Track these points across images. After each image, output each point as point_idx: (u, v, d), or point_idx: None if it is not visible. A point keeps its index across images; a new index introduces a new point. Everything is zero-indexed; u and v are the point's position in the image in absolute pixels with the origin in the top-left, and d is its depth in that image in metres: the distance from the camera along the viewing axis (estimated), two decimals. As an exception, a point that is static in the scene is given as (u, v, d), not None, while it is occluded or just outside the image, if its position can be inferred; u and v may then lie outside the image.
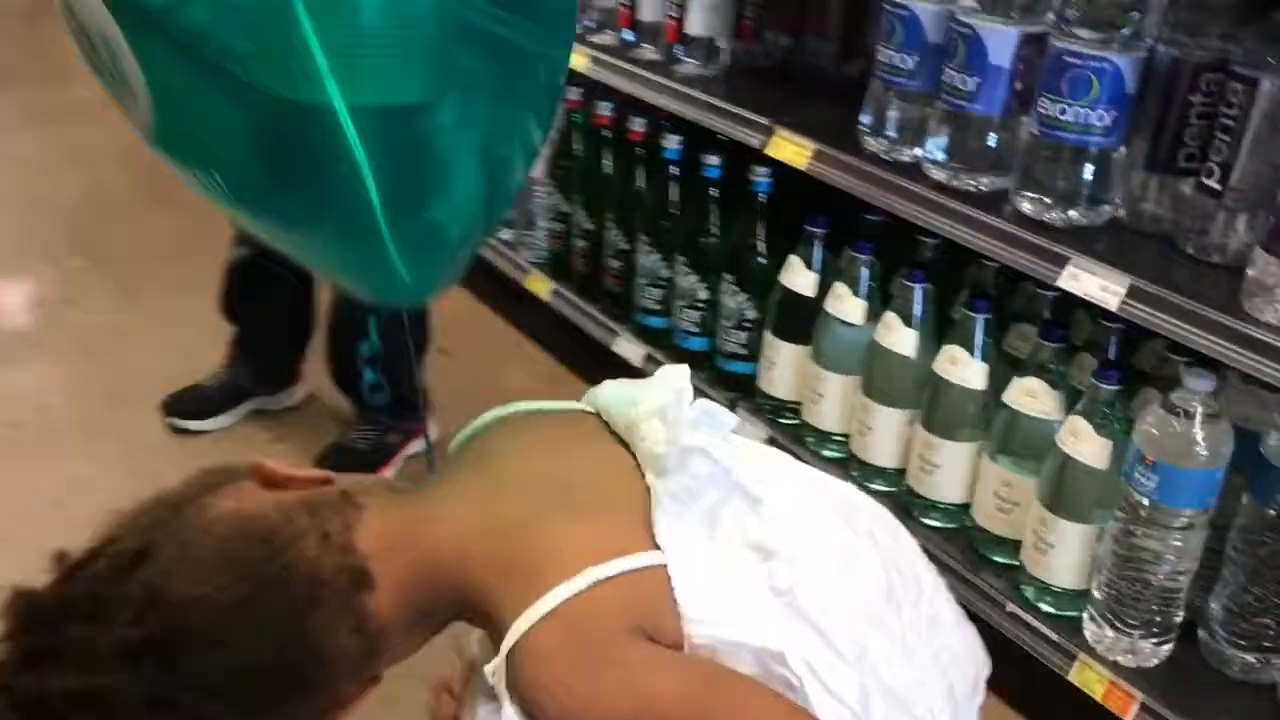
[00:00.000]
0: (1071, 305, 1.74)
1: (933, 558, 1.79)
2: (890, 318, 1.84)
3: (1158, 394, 1.62)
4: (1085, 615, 1.64)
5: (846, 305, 1.91)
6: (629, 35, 2.27)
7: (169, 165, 1.14)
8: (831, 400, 1.97)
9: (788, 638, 0.94)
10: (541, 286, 2.63)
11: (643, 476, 1.00)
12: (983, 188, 1.67)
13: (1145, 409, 1.53)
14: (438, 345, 2.35)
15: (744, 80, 2.18)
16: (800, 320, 2.00)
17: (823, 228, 1.96)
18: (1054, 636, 1.65)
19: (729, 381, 2.19)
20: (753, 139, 1.94)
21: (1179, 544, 1.52)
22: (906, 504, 1.87)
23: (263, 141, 1.04)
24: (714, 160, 2.12)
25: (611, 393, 1.13)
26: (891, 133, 1.79)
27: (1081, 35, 1.50)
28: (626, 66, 2.23)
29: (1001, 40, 1.59)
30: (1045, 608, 1.69)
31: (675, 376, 1.05)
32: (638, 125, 2.28)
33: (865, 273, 1.89)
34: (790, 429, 2.08)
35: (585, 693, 0.87)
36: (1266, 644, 1.56)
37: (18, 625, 0.83)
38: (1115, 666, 1.59)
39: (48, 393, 2.52)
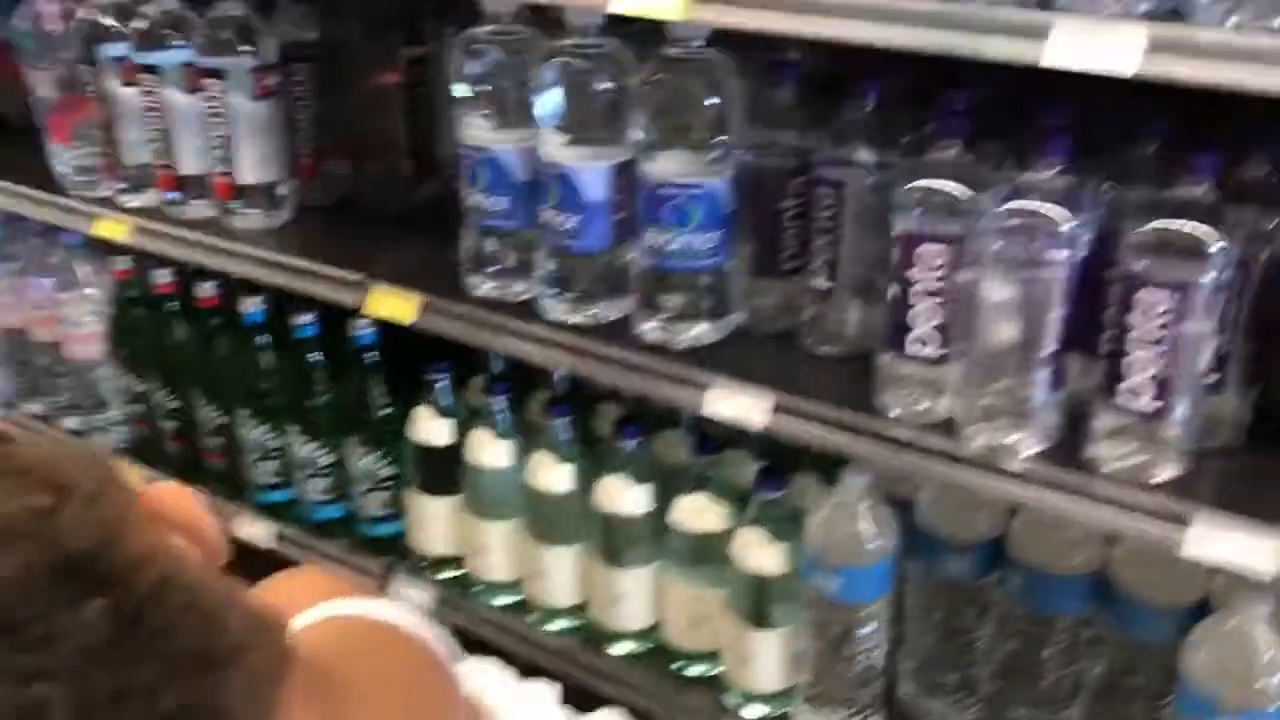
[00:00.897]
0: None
1: (629, 686, 1.78)
2: (541, 456, 1.77)
3: (815, 478, 1.66)
4: (795, 709, 1.66)
5: (490, 451, 1.81)
6: (174, 194, 2.02)
7: None
8: (497, 549, 1.87)
9: None
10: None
11: None
12: (602, 317, 1.63)
13: (813, 513, 1.55)
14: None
15: (311, 223, 2.01)
16: (443, 471, 1.88)
17: (445, 372, 1.85)
18: (771, 736, 1.66)
19: (378, 546, 2.03)
20: (347, 298, 1.79)
21: (872, 630, 1.57)
22: (596, 638, 1.81)
23: None
24: (307, 319, 1.94)
25: None
26: (496, 273, 1.70)
27: (671, 164, 1.49)
28: (177, 232, 1.99)
29: (594, 176, 1.54)
30: (753, 714, 1.69)
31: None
32: (207, 290, 2.05)
33: (504, 415, 1.80)
34: (453, 583, 1.96)
35: None
36: (958, 690, 1.65)
37: None
38: (836, 750, 1.62)
39: None
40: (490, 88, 1.60)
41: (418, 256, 1.85)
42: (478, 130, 1.62)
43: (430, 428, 1.87)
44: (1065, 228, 1.24)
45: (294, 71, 1.98)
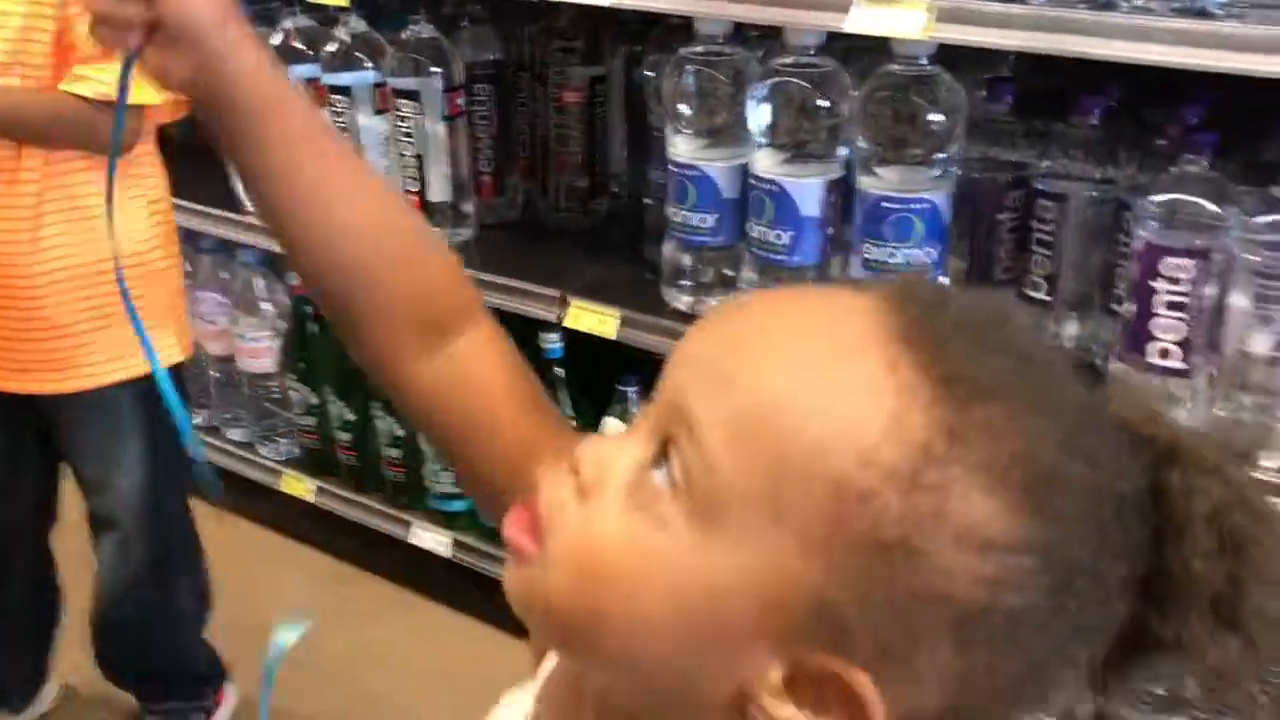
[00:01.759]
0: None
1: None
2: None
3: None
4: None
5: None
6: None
7: None
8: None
9: None
10: (300, 487, 2.38)
11: None
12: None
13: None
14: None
15: (496, 240, 2.06)
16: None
17: (634, 385, 1.88)
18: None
19: (559, 554, 2.07)
20: (549, 314, 1.83)
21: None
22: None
23: None
24: (494, 333, 1.97)
25: None
26: (694, 287, 1.73)
27: (894, 178, 1.51)
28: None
29: (809, 191, 1.57)
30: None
31: None
32: (389, 305, 2.09)
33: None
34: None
35: None
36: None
37: None
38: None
39: None
40: (701, 106, 1.63)
41: (606, 271, 1.89)
42: (687, 148, 1.65)
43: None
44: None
45: (477, 91, 2.03)
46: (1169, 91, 1.51)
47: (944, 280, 1.58)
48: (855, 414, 0.47)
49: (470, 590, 2.26)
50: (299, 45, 2.02)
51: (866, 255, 1.55)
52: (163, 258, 1.70)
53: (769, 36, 1.66)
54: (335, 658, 2.03)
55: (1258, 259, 1.28)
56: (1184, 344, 1.37)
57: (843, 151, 1.58)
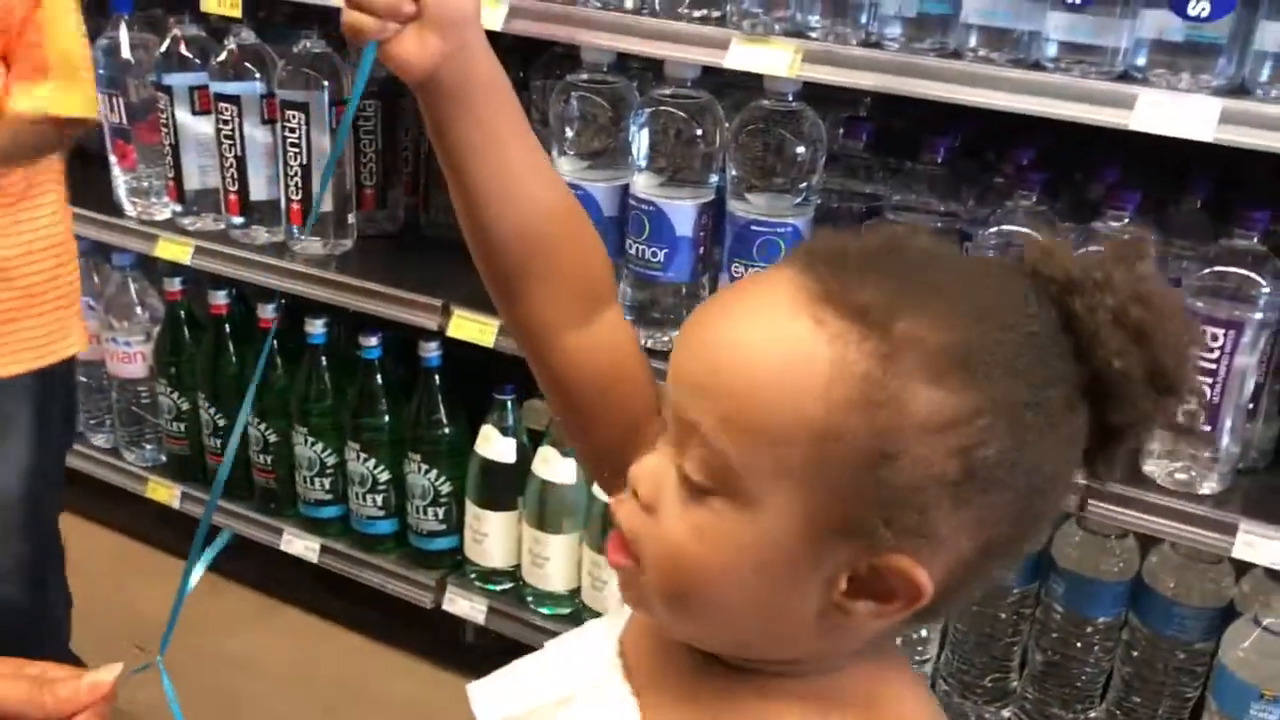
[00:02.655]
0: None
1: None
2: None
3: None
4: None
5: (558, 467, 1.92)
6: (237, 219, 2.11)
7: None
8: (558, 561, 1.98)
9: None
10: (165, 492, 2.37)
11: None
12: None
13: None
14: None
15: (376, 250, 2.11)
16: (504, 488, 1.99)
17: (511, 393, 1.96)
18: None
19: (430, 559, 2.12)
20: (431, 323, 1.89)
21: (924, 633, 1.72)
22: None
23: None
24: (373, 342, 2.03)
25: None
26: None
27: (761, 204, 1.64)
28: (241, 254, 2.07)
29: (684, 214, 1.68)
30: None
31: None
32: (268, 313, 2.13)
33: (570, 435, 1.92)
34: (508, 594, 2.06)
35: None
36: (994, 694, 1.81)
37: None
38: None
39: None
40: (585, 130, 1.73)
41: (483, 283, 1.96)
42: (571, 168, 1.74)
43: (495, 445, 1.97)
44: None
45: (364, 107, 2.09)
46: (1007, 134, 1.68)
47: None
48: (805, 373, 0.60)
49: (333, 597, 2.30)
50: (187, 53, 2.05)
51: (735, 274, 1.67)
52: (70, 251, 1.72)
53: (649, 68, 1.77)
54: (201, 665, 2.04)
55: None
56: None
57: (715, 178, 1.70)
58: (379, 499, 2.12)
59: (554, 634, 0.82)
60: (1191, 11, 1.28)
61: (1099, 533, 1.65)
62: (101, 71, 2.14)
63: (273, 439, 2.19)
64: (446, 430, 2.04)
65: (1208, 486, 1.47)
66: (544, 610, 2.02)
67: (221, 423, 2.25)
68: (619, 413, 0.82)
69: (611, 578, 1.67)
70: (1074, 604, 1.68)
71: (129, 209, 2.22)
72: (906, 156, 1.67)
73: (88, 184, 2.27)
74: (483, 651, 2.16)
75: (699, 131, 1.66)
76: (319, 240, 2.07)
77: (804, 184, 1.63)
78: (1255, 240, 1.40)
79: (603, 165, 1.74)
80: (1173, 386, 0.65)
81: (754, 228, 1.63)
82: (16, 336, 1.64)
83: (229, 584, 2.34)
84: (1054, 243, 0.67)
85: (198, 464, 2.33)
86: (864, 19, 1.49)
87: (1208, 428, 1.44)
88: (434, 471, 2.05)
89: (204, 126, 2.07)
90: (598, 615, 1.94)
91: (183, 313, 2.25)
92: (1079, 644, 1.70)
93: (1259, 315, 1.40)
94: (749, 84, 1.65)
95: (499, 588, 2.07)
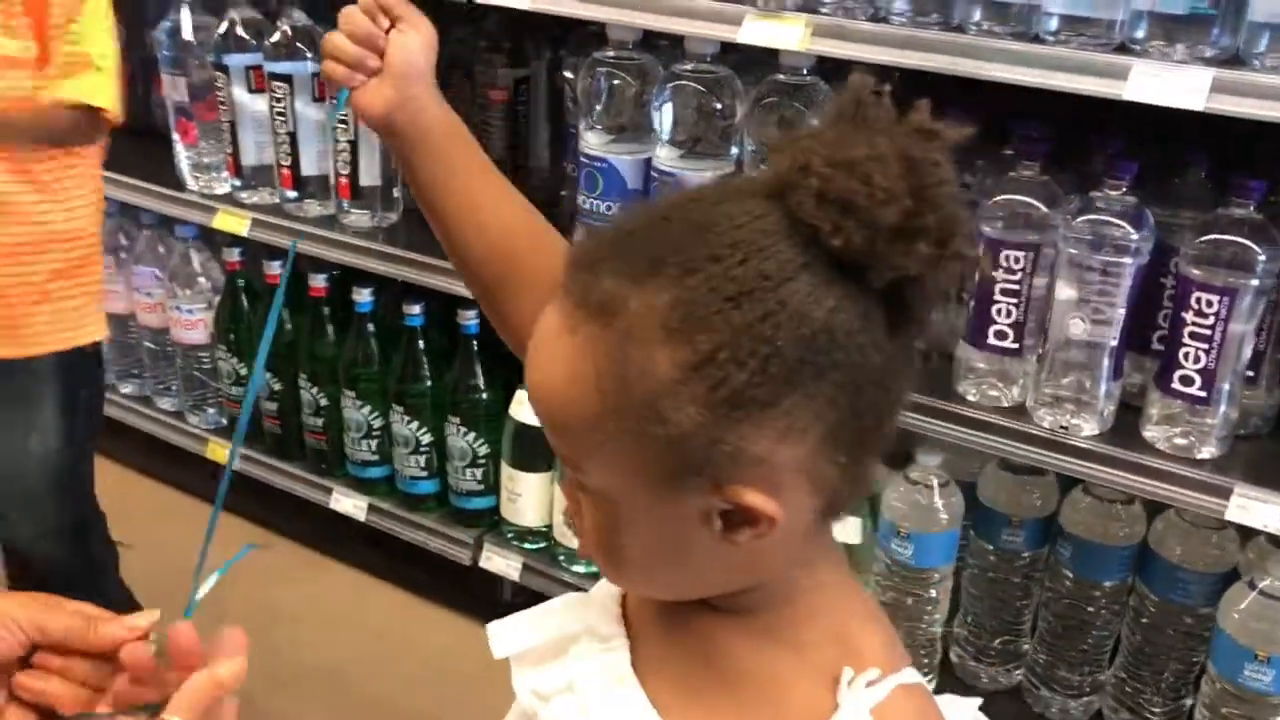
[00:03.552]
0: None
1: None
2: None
3: (882, 466, 1.86)
4: (861, 668, 1.85)
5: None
6: (291, 193, 2.22)
7: None
8: (586, 522, 2.06)
9: None
10: (223, 453, 2.50)
11: None
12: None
13: (889, 486, 1.75)
14: (115, 539, 2.16)
15: (422, 222, 2.20)
16: (538, 450, 2.08)
17: (543, 361, 2.04)
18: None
19: (469, 518, 2.22)
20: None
21: (935, 595, 1.77)
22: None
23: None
24: (416, 310, 2.13)
25: None
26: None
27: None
28: (295, 226, 2.18)
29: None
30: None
31: None
32: (319, 281, 2.24)
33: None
34: (542, 552, 2.15)
35: None
36: (1006, 656, 1.85)
37: None
38: (901, 709, 1.81)
39: None
40: (610, 105, 1.81)
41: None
42: (597, 142, 1.82)
43: (528, 409, 2.05)
44: (1132, 239, 1.46)
45: (409, 86, 2.18)
46: (1022, 108, 1.71)
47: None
48: (578, 379, 0.69)
49: (378, 553, 2.41)
50: (243, 34, 2.16)
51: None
52: (97, 244, 1.83)
53: (675, 45, 1.84)
54: (254, 615, 2.15)
55: (1076, 253, 1.48)
56: (1017, 328, 1.57)
57: (735, 150, 1.76)
58: (421, 460, 2.22)
59: (584, 591, 0.91)
60: (1183, -17, 1.31)
61: (1105, 498, 1.69)
62: (165, 53, 2.27)
63: (323, 403, 2.30)
64: (484, 395, 2.13)
65: (1206, 451, 1.50)
66: (575, 568, 2.10)
67: (276, 387, 2.37)
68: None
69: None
70: (1081, 568, 1.72)
71: (191, 183, 2.34)
72: (920, 129, 1.71)
73: (154, 160, 2.41)
74: (518, 607, 2.24)
75: (718, 105, 1.73)
76: (367, 213, 2.17)
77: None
78: (1251, 209, 1.42)
79: (627, 139, 1.81)
80: (909, 237, 0.64)
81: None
82: (43, 320, 1.75)
83: (282, 539, 2.46)
84: (772, 145, 0.71)
85: (254, 426, 2.45)
86: (872, -5, 1.54)
87: (1204, 393, 1.47)
88: (472, 434, 2.14)
89: (259, 104, 2.19)
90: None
91: (241, 282, 2.36)
92: (1087, 608, 1.74)
93: (1255, 282, 1.42)
94: (769, 60, 1.71)
95: (533, 546, 2.16)
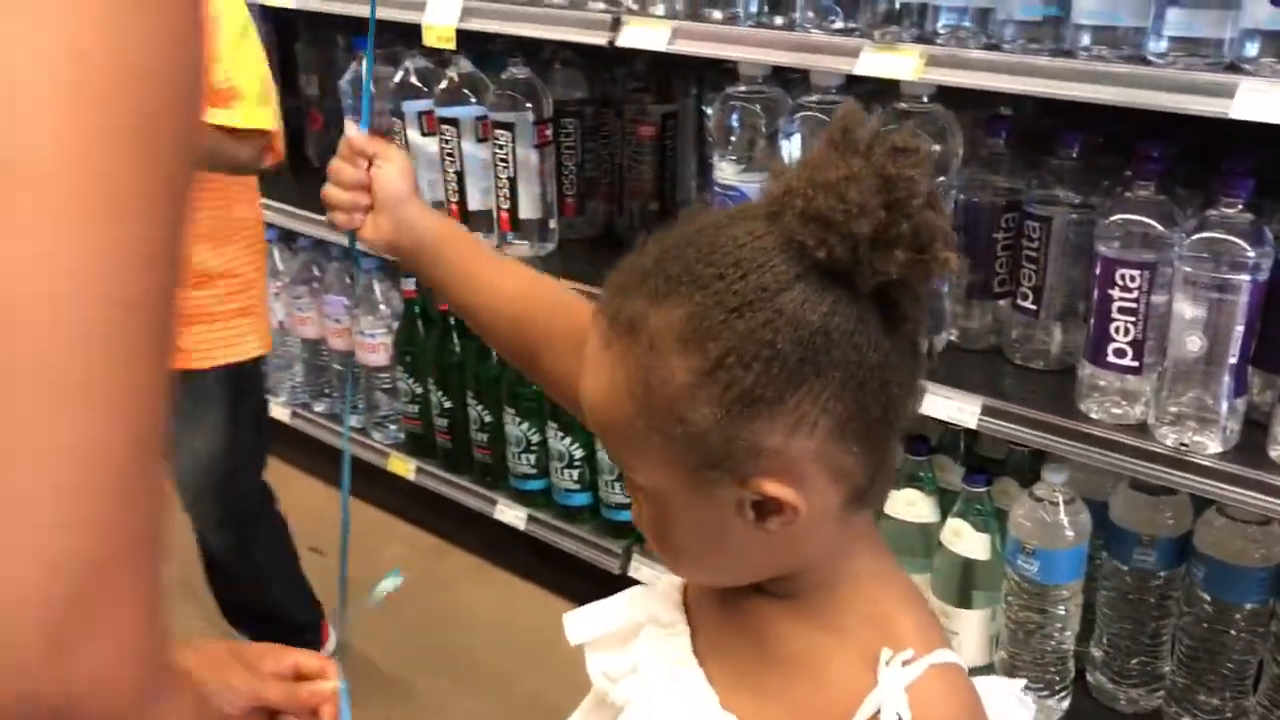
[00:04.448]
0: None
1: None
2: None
3: (1013, 482, 1.88)
4: (994, 685, 1.87)
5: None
6: (459, 226, 2.40)
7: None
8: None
9: None
10: (403, 466, 2.70)
11: None
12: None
13: (1015, 503, 1.78)
14: (309, 546, 2.38)
15: (575, 253, 2.36)
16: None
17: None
18: (974, 711, 1.87)
19: (618, 530, 2.34)
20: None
21: (1064, 613, 1.78)
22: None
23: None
24: (569, 332, 2.27)
25: None
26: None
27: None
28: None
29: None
30: (958, 685, 1.90)
31: None
32: (483, 307, 2.41)
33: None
34: (687, 565, 2.25)
35: None
36: (1144, 678, 1.83)
37: None
38: (1030, 726, 1.82)
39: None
40: (742, 136, 1.91)
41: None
42: (730, 171, 1.92)
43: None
44: (1248, 256, 1.46)
45: (564, 125, 2.34)
46: (1146, 130, 1.72)
47: (944, 290, 1.82)
48: (616, 390, 0.79)
49: (538, 562, 2.56)
50: (416, 82, 2.37)
51: (876, 266, 1.79)
52: (262, 268, 2.05)
53: (804, 78, 1.92)
54: (421, 617, 2.34)
55: (1192, 270, 1.49)
56: (1136, 345, 1.58)
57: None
58: (575, 474, 2.36)
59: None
60: (1285, 1, 1.31)
61: (1238, 518, 1.66)
62: (349, 101, 2.50)
63: (487, 419, 2.47)
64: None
65: (1335, 471, 1.48)
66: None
67: (447, 405, 2.55)
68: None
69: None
70: (1217, 590, 1.69)
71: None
72: (1043, 152, 1.74)
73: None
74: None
75: (842, 135, 1.80)
76: (526, 243, 2.33)
77: (940, 179, 1.74)
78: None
79: (758, 168, 1.90)
80: (887, 245, 0.72)
81: (890, 222, 1.75)
82: (211, 335, 1.96)
83: (451, 548, 2.64)
84: (772, 170, 0.79)
85: (429, 442, 2.64)
86: (985, 24, 1.59)
87: (1330, 411, 1.45)
88: (621, 450, 2.26)
89: (431, 146, 2.38)
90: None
91: (417, 308, 2.57)
92: (1225, 631, 1.71)
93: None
94: (895, 89, 1.77)
95: (679, 559, 2.26)
